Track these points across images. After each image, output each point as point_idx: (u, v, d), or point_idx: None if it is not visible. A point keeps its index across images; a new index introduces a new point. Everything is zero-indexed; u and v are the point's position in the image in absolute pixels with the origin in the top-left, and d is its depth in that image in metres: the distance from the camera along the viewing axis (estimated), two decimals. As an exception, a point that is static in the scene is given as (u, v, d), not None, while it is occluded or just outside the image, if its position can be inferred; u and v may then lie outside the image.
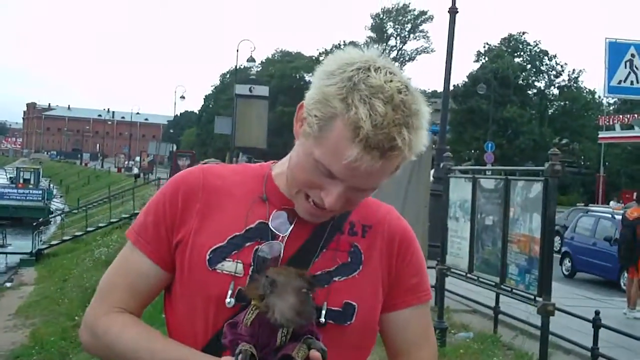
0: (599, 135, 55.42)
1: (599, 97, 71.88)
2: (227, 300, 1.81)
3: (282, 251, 1.87)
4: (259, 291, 1.70)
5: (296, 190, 1.85)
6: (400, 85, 1.71)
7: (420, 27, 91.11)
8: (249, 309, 1.73)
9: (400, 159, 1.74)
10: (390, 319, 2.00)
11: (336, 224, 1.94)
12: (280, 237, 1.89)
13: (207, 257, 1.87)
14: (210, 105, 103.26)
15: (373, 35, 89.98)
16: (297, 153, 1.83)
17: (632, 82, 12.99)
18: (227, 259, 1.86)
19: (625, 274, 19.24)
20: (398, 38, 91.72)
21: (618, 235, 20.03)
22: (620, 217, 22.30)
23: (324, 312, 1.84)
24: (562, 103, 72.02)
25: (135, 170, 70.79)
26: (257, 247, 1.86)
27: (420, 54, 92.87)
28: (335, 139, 1.70)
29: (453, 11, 19.54)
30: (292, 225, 1.91)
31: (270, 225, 1.90)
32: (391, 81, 1.71)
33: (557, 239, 25.72)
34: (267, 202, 1.94)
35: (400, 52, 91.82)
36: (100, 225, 38.18)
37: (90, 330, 1.98)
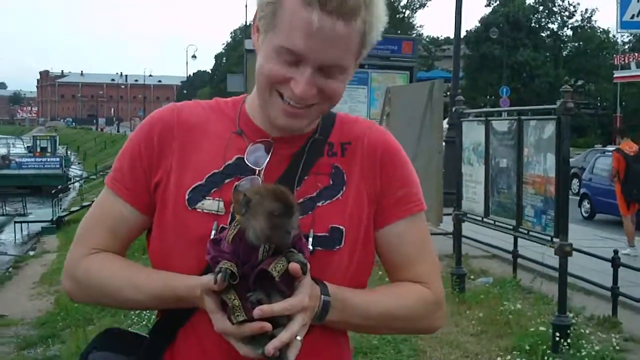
0: (614, 75, 54.83)
1: (614, 36, 71.02)
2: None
3: (260, 183, 1.82)
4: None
5: (268, 92, 1.78)
6: None
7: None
8: (232, 224, 1.70)
9: (361, 24, 1.69)
10: (382, 235, 1.92)
11: (314, 148, 1.88)
12: (258, 171, 1.84)
13: (187, 197, 1.83)
14: (222, 64, 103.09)
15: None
16: (259, 58, 1.77)
17: (645, 17, 12.78)
18: (206, 198, 1.82)
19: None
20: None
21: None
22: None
23: (310, 239, 1.79)
24: (576, 44, 71.29)
25: None
26: (236, 183, 1.82)
27: (430, 0, 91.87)
28: (289, 13, 1.67)
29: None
30: (269, 157, 1.85)
31: (246, 160, 1.85)
32: None
33: (575, 181, 25.59)
34: (243, 135, 1.89)
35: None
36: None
37: (70, 275, 1.95)
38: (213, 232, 1.76)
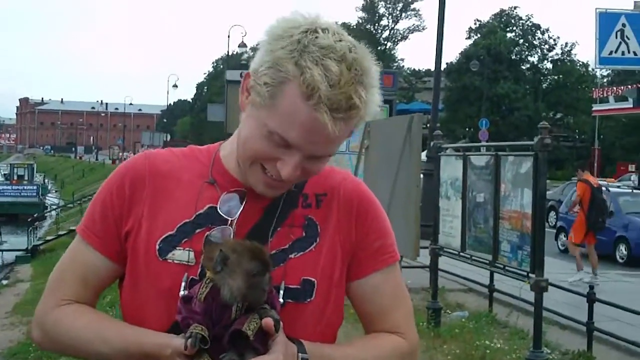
0: (593, 108, 55.30)
1: (592, 69, 71.76)
2: (181, 292, 1.73)
3: (232, 235, 1.80)
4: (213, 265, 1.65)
5: (250, 163, 1.77)
6: (350, 44, 1.68)
7: (412, 6, 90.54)
8: (203, 281, 1.67)
9: (357, 120, 1.70)
10: (358, 287, 1.92)
11: (288, 200, 1.87)
12: (230, 221, 1.82)
13: (157, 247, 1.81)
14: (203, 93, 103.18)
15: (365, 15, 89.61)
16: (246, 126, 1.76)
17: (623, 53, 12.92)
18: (177, 248, 1.80)
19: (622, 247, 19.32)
20: (390, 17, 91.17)
21: (613, 208, 20.09)
22: (613, 189, 22.42)
23: (282, 292, 1.78)
24: (555, 77, 71.90)
25: None
26: (208, 233, 1.80)
27: (412, 32, 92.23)
28: (289, 104, 1.64)
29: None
30: (242, 207, 1.84)
31: (219, 210, 1.83)
32: (340, 40, 1.67)
33: (552, 213, 25.68)
34: (216, 184, 1.87)
35: (392, 31, 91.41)
36: (96, 218, 38.01)
37: (39, 325, 1.92)
38: (183, 284, 1.74)
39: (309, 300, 1.83)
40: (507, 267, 8.54)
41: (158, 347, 1.69)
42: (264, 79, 1.67)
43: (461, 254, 9.71)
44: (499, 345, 9.07)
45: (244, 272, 1.61)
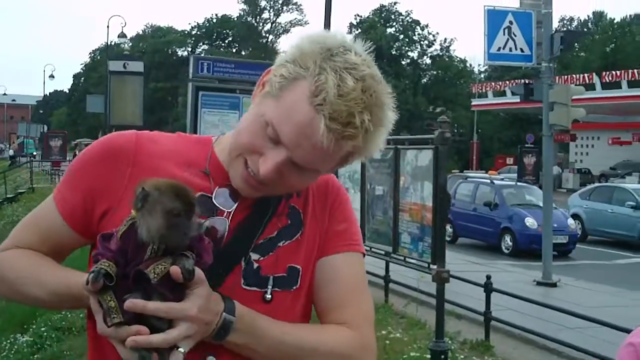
0: (472, 103, 56.80)
1: (470, 65, 73.70)
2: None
3: (227, 227, 1.77)
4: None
5: (236, 154, 1.74)
6: (376, 76, 1.67)
7: (293, 0, 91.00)
8: (125, 219, 1.60)
9: (351, 147, 1.65)
10: (318, 267, 1.86)
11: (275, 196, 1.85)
12: (226, 213, 1.78)
13: None
14: (81, 84, 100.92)
15: (246, 8, 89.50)
16: (247, 116, 1.75)
17: (510, 49, 13.26)
18: None
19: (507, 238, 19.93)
20: (272, 10, 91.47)
21: (497, 201, 20.67)
22: (497, 182, 23.07)
23: (271, 280, 1.77)
24: (435, 72, 73.50)
25: (11, 152, 67.97)
26: (203, 221, 1.71)
27: (294, 26, 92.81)
28: (294, 99, 1.63)
29: (329, -18, 19.49)
30: (237, 203, 1.80)
31: (214, 201, 1.79)
32: (368, 67, 1.66)
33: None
34: (210, 176, 1.82)
35: (274, 25, 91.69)
36: (-29, 212, 36.70)
37: None
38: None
39: (294, 287, 1.82)
40: (407, 259, 8.62)
41: (80, 287, 1.61)
42: (282, 71, 1.66)
43: (360, 245, 9.75)
44: (398, 336, 9.15)
45: (164, 211, 1.54)
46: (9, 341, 10.74)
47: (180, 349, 1.56)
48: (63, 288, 1.73)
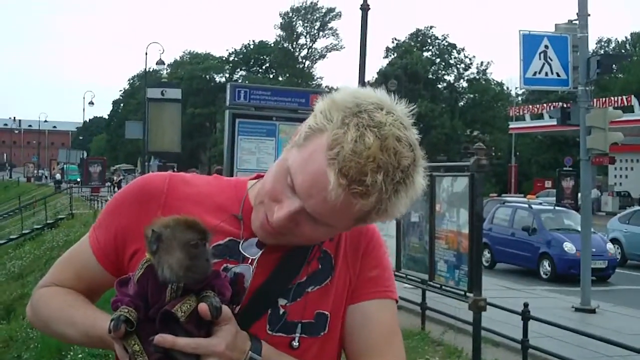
0: (510, 126, 56.51)
1: (507, 88, 73.42)
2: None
3: (251, 275, 1.76)
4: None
5: (259, 200, 1.75)
6: (402, 136, 1.62)
7: (329, 25, 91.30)
8: (140, 263, 1.62)
9: (363, 207, 1.60)
10: (349, 313, 1.85)
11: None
12: (250, 260, 1.78)
13: None
14: (119, 110, 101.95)
15: (282, 34, 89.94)
16: (275, 163, 1.75)
17: (546, 73, 13.21)
18: None
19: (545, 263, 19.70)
20: (308, 36, 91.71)
21: (536, 225, 20.48)
22: (536, 206, 22.88)
23: (299, 327, 1.77)
24: (471, 95, 73.28)
25: (58, 176, 68.40)
26: (225, 265, 1.75)
27: (330, 51, 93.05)
28: (312, 149, 1.63)
29: (365, 8, 19.49)
30: (262, 250, 1.79)
31: (240, 248, 1.79)
32: (397, 128, 1.61)
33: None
34: (242, 222, 1.82)
35: (310, 50, 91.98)
36: (12, 237, 37.08)
37: (31, 300, 1.95)
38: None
39: (322, 333, 1.80)
40: (444, 286, 8.58)
41: (105, 331, 1.62)
42: (310, 121, 1.67)
43: (396, 273, 9.72)
44: (436, 364, 9.10)
45: (182, 245, 1.56)
46: (47, 368, 10.84)
47: None
48: (92, 330, 1.75)
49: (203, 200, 1.83)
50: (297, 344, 1.76)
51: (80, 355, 10.84)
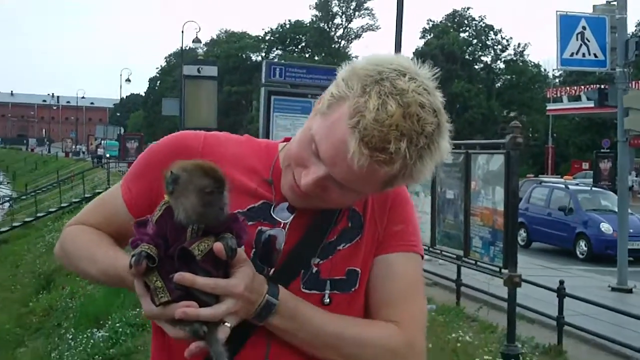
0: (547, 107, 56.05)
1: (545, 69, 72.70)
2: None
3: (284, 239, 1.80)
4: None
5: (286, 164, 1.79)
6: (426, 101, 1.62)
7: (365, 5, 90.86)
8: (159, 205, 1.66)
9: (388, 173, 1.63)
10: (373, 265, 1.87)
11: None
12: (282, 224, 1.81)
13: None
14: (156, 88, 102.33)
15: (318, 13, 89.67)
16: (301, 129, 1.78)
17: (583, 54, 13.09)
18: None
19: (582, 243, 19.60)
20: (344, 16, 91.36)
21: (572, 205, 20.39)
22: (572, 187, 22.75)
23: (328, 284, 1.80)
24: (508, 77, 72.64)
25: (101, 152, 68.48)
26: (259, 227, 1.79)
27: (365, 31, 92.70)
28: (335, 118, 1.64)
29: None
30: (293, 215, 1.82)
31: (272, 213, 1.82)
32: (419, 94, 1.61)
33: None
34: (273, 186, 1.85)
35: (346, 30, 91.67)
36: (51, 210, 37.41)
37: (60, 238, 2.01)
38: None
39: (353, 290, 1.83)
40: (479, 262, 8.62)
41: (126, 269, 1.66)
42: (333, 89, 1.68)
43: (431, 249, 9.77)
44: (469, 339, 9.14)
45: (196, 190, 1.58)
46: (85, 336, 11.05)
47: (226, 324, 1.62)
48: (111, 269, 1.78)
49: (236, 161, 1.85)
50: (329, 300, 1.79)
51: (118, 324, 11.02)
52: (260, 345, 1.76)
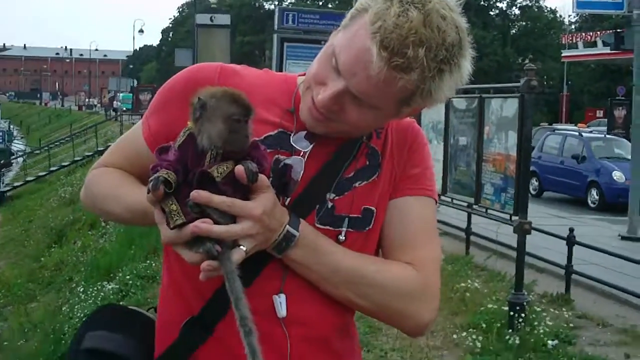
0: (562, 54, 55.51)
1: (560, 16, 71.92)
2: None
3: (302, 167, 1.76)
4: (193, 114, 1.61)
5: (306, 87, 1.76)
6: (447, 15, 1.60)
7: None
8: (182, 131, 1.63)
9: (406, 84, 1.59)
10: (388, 207, 1.85)
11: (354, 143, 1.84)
12: (302, 153, 1.77)
13: None
14: (169, 39, 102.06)
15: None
16: (322, 48, 1.75)
17: (601, -3, 12.99)
18: None
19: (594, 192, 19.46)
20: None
21: (585, 153, 20.23)
22: (586, 134, 22.57)
23: (346, 221, 1.78)
24: (524, 23, 71.92)
25: (117, 104, 68.01)
26: (276, 156, 1.75)
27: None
28: (356, 28, 1.63)
29: None
30: (314, 144, 1.78)
31: (291, 141, 1.78)
32: (442, 8, 1.60)
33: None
34: (294, 115, 1.82)
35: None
36: (64, 164, 37.64)
37: (85, 182, 2.01)
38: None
39: (367, 229, 1.82)
40: (489, 210, 8.58)
41: (148, 205, 1.64)
42: (358, 3, 1.66)
43: (442, 197, 9.73)
44: (477, 287, 9.13)
45: (224, 117, 1.57)
46: (96, 288, 11.14)
47: (242, 247, 1.59)
48: (136, 204, 1.77)
49: (254, 92, 1.78)
50: (344, 237, 1.77)
51: (128, 276, 11.08)
52: (275, 278, 1.73)
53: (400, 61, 1.55)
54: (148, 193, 1.56)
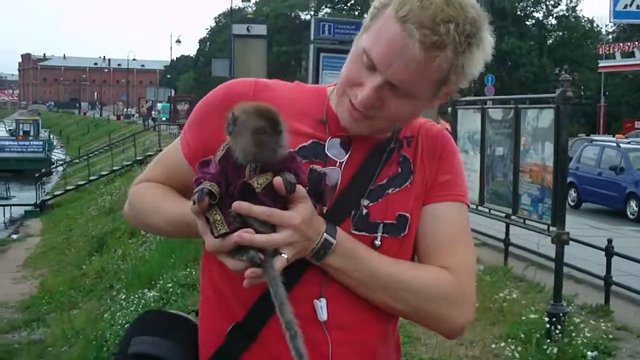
0: (599, 65, 55.04)
1: (597, 25, 71.32)
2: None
3: (339, 177, 1.82)
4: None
5: (340, 93, 1.81)
6: (464, 1, 1.70)
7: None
8: (222, 145, 1.69)
9: (442, 62, 1.66)
10: (422, 213, 1.89)
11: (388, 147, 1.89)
12: (338, 163, 1.83)
13: None
14: (206, 49, 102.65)
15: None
16: (349, 54, 1.81)
17: (638, 6, 12.75)
18: None
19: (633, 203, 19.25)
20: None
21: (624, 164, 20.03)
22: (624, 145, 22.33)
23: (381, 226, 1.82)
24: (560, 33, 71.40)
25: (155, 115, 68.15)
26: (311, 166, 1.80)
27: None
28: (382, 22, 1.70)
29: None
30: (349, 153, 1.85)
31: (327, 151, 1.84)
32: None
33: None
34: (327, 125, 1.87)
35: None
36: (103, 173, 38.07)
37: (128, 197, 2.06)
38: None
39: (402, 234, 1.85)
40: (527, 220, 8.56)
41: (192, 218, 1.69)
42: (376, 2, 1.75)
43: (479, 207, 9.72)
44: (516, 298, 9.10)
45: (250, 130, 1.62)
46: (137, 296, 11.24)
47: (283, 255, 1.63)
48: (178, 216, 1.83)
49: (286, 105, 1.84)
50: (379, 242, 1.81)
51: (169, 284, 11.18)
52: (314, 285, 1.78)
53: (435, 38, 1.63)
54: (193, 204, 1.61)
